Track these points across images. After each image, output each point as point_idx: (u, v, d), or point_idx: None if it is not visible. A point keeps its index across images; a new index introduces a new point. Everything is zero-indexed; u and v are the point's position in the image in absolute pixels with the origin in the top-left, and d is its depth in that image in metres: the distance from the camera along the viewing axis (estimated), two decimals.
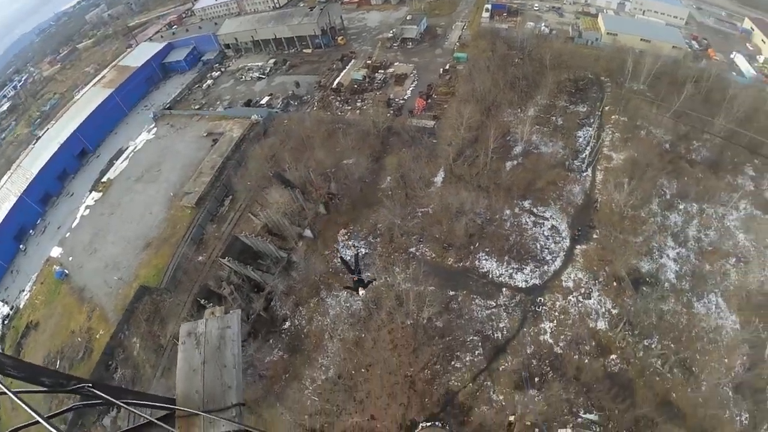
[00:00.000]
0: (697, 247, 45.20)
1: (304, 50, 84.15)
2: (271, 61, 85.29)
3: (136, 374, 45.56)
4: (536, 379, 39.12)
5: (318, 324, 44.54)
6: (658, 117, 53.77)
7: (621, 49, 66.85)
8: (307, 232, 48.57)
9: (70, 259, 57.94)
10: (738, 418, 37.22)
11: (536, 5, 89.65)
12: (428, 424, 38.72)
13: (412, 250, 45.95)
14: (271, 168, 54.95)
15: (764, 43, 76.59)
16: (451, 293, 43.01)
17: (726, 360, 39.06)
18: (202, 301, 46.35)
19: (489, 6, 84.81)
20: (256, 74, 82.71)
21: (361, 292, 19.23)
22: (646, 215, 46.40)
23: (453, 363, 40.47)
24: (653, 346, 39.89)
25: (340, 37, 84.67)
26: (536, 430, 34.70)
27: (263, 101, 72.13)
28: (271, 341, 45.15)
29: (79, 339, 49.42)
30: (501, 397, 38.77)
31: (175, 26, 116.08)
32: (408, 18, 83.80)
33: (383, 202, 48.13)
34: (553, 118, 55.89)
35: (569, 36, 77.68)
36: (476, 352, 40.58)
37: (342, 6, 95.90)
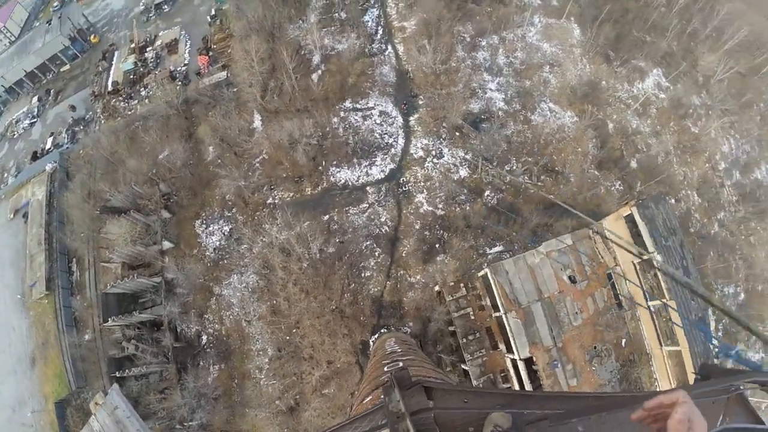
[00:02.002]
0: (512, 71, 47.42)
1: (62, 69, 70.31)
2: (35, 99, 70.53)
3: None
4: (437, 246, 41.36)
5: (230, 318, 41.81)
6: None
7: None
8: (166, 244, 43.82)
9: None
10: (613, 188, 42.37)
11: None
12: (376, 336, 40.02)
13: (270, 201, 43.53)
14: (94, 206, 47.72)
15: None
16: (326, 217, 42.06)
17: (579, 149, 43.23)
18: (118, 374, 41.76)
19: None
20: (27, 122, 67.89)
21: None
22: (456, 64, 47.36)
23: (363, 274, 40.65)
24: (515, 167, 42.85)
25: (92, 36, 70.87)
26: (461, 284, 37.17)
27: (48, 145, 60.58)
28: (201, 363, 42.11)
29: None
30: (418, 277, 40.31)
31: None
32: None
33: (218, 173, 44.24)
34: (336, 14, 53.19)
35: None
36: (377, 254, 40.93)
37: (79, 2, 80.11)
